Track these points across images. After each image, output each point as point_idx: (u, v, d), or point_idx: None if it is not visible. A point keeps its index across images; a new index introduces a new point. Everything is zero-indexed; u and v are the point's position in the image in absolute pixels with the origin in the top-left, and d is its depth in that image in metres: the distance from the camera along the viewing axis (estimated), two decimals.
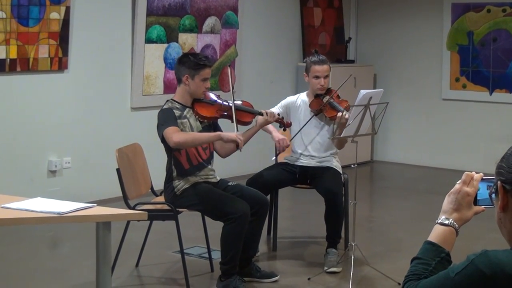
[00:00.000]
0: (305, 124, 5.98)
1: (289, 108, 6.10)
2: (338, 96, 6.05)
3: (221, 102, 5.44)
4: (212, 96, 5.44)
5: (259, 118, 5.49)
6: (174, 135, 5.06)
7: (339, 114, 5.72)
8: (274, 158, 5.91)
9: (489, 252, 1.91)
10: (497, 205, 2.02)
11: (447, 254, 2.12)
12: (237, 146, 5.25)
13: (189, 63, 5.27)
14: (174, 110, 5.26)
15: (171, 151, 5.27)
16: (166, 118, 5.17)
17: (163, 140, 5.18)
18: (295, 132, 6.09)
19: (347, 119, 5.64)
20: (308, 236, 6.84)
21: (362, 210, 7.39)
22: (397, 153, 10.56)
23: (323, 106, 5.95)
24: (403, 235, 6.85)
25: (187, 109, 5.32)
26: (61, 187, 7.44)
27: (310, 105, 6.02)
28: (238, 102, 5.50)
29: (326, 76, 6.01)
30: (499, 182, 2.00)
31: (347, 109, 5.74)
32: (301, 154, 6.08)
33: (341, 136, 5.75)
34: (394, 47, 10.54)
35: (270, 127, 5.90)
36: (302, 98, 6.12)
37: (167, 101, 5.37)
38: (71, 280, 5.57)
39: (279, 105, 6.14)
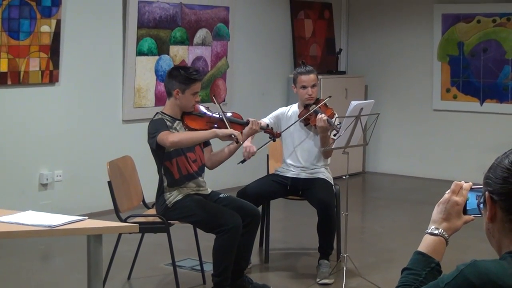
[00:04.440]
0: (290, 125, 5.97)
1: (280, 119, 6.11)
2: (326, 105, 6.06)
3: (211, 114, 5.44)
4: (202, 108, 5.44)
5: (245, 128, 5.48)
6: (169, 135, 5.07)
7: (319, 116, 5.75)
8: (238, 163, 5.81)
9: (478, 262, 1.91)
10: (486, 215, 2.03)
11: (437, 264, 2.12)
12: (237, 141, 5.23)
13: (179, 77, 5.27)
14: (165, 121, 5.27)
15: (162, 161, 5.27)
16: (158, 127, 5.17)
17: (157, 148, 5.16)
18: (286, 143, 6.09)
19: (324, 121, 5.67)
20: (300, 248, 6.84)
21: (354, 221, 7.40)
22: (389, 164, 10.57)
23: (309, 114, 5.96)
24: (395, 246, 6.86)
25: (177, 122, 5.32)
26: (52, 200, 7.42)
27: (299, 116, 6.03)
28: (228, 114, 5.50)
29: (314, 86, 6.02)
30: (487, 192, 2.01)
31: (331, 116, 5.79)
32: (291, 165, 6.09)
33: (332, 148, 5.76)
34: (385, 58, 10.57)
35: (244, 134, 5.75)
36: (293, 109, 6.14)
37: (157, 113, 5.38)
38: None
39: (270, 116, 6.15)
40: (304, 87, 6.00)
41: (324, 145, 5.88)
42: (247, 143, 5.73)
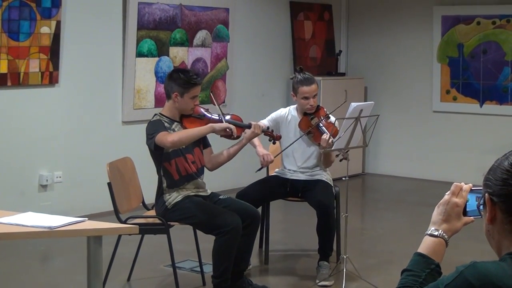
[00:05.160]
0: (292, 143, 5.96)
1: (279, 122, 6.09)
2: (327, 117, 6.03)
3: (210, 116, 5.44)
4: (201, 110, 5.44)
5: (247, 131, 5.49)
6: (168, 136, 5.08)
7: (324, 136, 5.73)
8: (257, 171, 5.83)
9: (478, 264, 1.91)
10: (485, 217, 2.03)
11: (437, 265, 2.12)
12: (231, 135, 5.24)
13: (179, 81, 5.27)
14: (163, 122, 5.27)
15: (161, 162, 5.27)
16: (157, 128, 5.18)
17: (155, 148, 5.17)
18: (284, 147, 6.07)
19: (330, 144, 5.66)
20: (300, 249, 6.84)
21: (354, 222, 7.39)
22: (388, 165, 10.57)
23: (312, 129, 5.93)
24: (395, 247, 6.85)
25: (176, 123, 5.32)
26: (52, 202, 7.42)
27: (299, 125, 6.00)
28: (227, 116, 5.50)
29: (315, 95, 6.00)
30: (486, 194, 2.01)
31: (335, 134, 5.75)
32: (290, 169, 6.08)
33: (332, 149, 5.75)
34: (385, 60, 10.57)
35: (255, 141, 5.79)
36: (293, 113, 6.09)
37: (155, 114, 5.38)
38: None
39: (268, 118, 6.12)
40: (306, 98, 5.97)
41: (327, 159, 5.91)
42: (263, 151, 5.76)
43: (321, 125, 5.90)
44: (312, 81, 5.98)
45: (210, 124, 5.25)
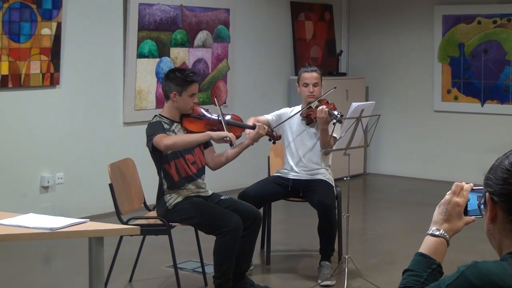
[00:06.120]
0: (289, 118, 5.99)
1: (282, 118, 6.10)
2: (327, 103, 6.05)
3: (210, 116, 5.44)
4: (201, 110, 5.44)
5: (251, 132, 5.49)
6: (164, 139, 5.08)
7: (319, 108, 5.76)
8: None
9: (479, 263, 1.91)
10: (486, 216, 2.03)
11: (438, 265, 2.12)
12: (231, 144, 5.24)
13: (176, 80, 5.27)
14: (163, 124, 5.27)
15: (161, 163, 5.27)
16: (156, 129, 5.18)
17: (153, 150, 5.18)
18: (287, 141, 6.08)
19: (325, 112, 5.68)
20: (302, 249, 6.84)
21: (355, 222, 7.39)
22: (390, 165, 10.57)
23: (310, 108, 5.96)
24: (397, 247, 6.85)
25: (175, 124, 5.32)
26: (53, 203, 7.42)
27: (301, 114, 6.03)
28: (228, 117, 5.50)
29: (316, 84, 6.03)
30: (487, 193, 2.01)
31: (333, 109, 5.78)
32: (293, 165, 6.08)
33: (333, 149, 5.76)
34: (386, 60, 10.57)
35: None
36: (296, 110, 6.13)
37: (155, 116, 5.38)
38: None
39: (273, 113, 6.15)
40: (306, 84, 6.02)
41: (324, 139, 5.88)
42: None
43: (319, 104, 5.93)
44: (314, 70, 6.09)
45: (207, 132, 5.24)
